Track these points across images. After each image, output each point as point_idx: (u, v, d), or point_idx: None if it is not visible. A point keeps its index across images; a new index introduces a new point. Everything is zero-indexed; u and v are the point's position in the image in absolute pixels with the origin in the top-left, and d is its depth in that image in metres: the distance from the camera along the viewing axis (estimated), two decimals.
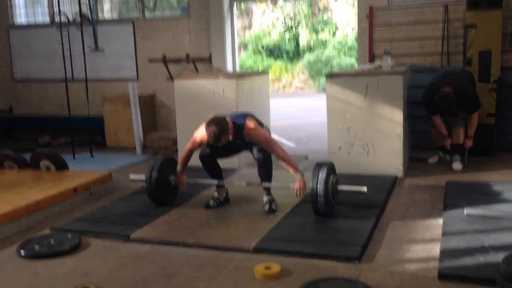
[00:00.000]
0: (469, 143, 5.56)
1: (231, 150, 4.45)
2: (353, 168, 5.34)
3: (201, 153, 4.38)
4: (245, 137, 4.18)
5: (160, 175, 4.47)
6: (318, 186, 3.92)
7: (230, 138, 4.06)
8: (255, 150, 4.23)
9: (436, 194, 4.69)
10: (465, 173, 5.40)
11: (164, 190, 4.54)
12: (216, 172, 4.51)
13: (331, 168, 4.09)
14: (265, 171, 4.28)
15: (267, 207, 4.28)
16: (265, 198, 4.36)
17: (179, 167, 4.54)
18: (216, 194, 4.55)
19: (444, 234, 3.63)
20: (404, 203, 4.51)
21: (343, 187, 4.18)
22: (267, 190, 4.38)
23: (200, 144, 4.36)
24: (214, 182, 4.51)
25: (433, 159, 5.84)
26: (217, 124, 3.96)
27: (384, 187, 4.85)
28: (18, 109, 8.75)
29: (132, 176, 4.90)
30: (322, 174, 3.95)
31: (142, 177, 4.60)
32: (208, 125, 3.99)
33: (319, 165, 4.06)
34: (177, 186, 4.59)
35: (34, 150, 6.01)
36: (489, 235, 3.54)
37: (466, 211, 3.73)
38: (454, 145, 5.59)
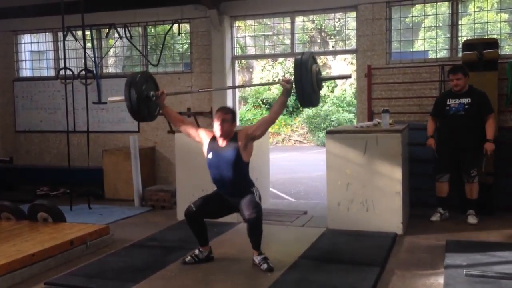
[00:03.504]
0: (489, 146, 5.55)
1: (220, 206, 4.35)
2: (352, 224, 5.32)
3: (186, 210, 4.29)
4: (239, 140, 4.20)
5: (139, 93, 4.26)
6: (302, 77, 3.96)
7: (230, 129, 4.20)
8: (245, 208, 4.10)
9: (436, 253, 4.64)
10: (465, 231, 5.37)
11: (146, 106, 4.38)
12: (201, 232, 4.38)
13: (312, 58, 4.14)
14: (256, 234, 4.17)
15: (264, 266, 4.14)
16: (258, 258, 4.20)
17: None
18: (196, 251, 4.42)
19: None
20: (404, 262, 4.46)
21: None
22: (258, 251, 4.24)
23: (193, 134, 4.45)
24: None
25: (435, 217, 5.81)
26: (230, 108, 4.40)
27: (383, 245, 4.80)
28: (19, 160, 8.78)
29: (111, 98, 4.78)
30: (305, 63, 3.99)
31: (122, 97, 4.36)
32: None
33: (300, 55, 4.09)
34: (160, 105, 4.48)
35: (32, 201, 5.98)
36: None
37: (466, 271, 3.69)
38: (469, 200, 5.73)
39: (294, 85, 4.06)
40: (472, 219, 5.65)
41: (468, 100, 5.58)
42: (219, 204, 4.34)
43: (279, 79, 4.26)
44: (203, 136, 4.40)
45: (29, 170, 8.53)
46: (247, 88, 21.43)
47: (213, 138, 4.31)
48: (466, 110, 5.58)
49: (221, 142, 4.26)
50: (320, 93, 4.31)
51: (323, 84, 4.31)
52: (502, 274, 3.84)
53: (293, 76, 4.06)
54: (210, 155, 4.29)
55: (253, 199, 4.18)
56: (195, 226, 4.35)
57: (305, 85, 3.99)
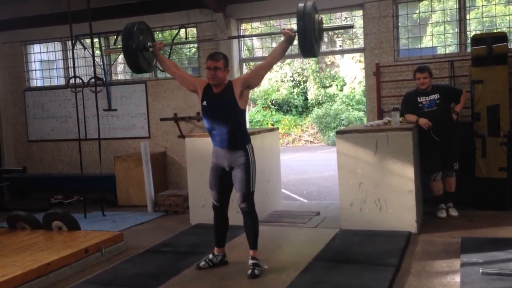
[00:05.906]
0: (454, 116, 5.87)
1: (225, 182, 4.29)
2: (366, 224, 5.29)
3: (213, 207, 4.37)
4: (234, 87, 4.11)
5: (136, 43, 4.34)
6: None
7: (223, 76, 4.08)
8: (239, 196, 4.16)
9: (452, 250, 4.60)
10: (480, 228, 5.31)
11: (144, 57, 4.47)
12: (222, 231, 4.41)
13: (315, 8, 4.11)
14: (249, 227, 4.21)
15: (249, 271, 4.12)
16: (250, 262, 4.20)
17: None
18: (210, 256, 4.43)
19: None
20: (419, 261, 4.42)
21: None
22: (254, 251, 4.24)
23: (187, 81, 4.37)
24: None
25: (443, 214, 5.82)
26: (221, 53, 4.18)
27: (398, 244, 4.77)
28: (32, 169, 8.86)
29: (107, 50, 4.93)
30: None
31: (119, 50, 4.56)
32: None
33: (303, 4, 4.03)
34: (155, 54, 4.49)
35: (46, 209, 6.04)
36: None
37: (482, 270, 3.66)
38: (449, 193, 5.94)
39: (297, 35, 4.03)
40: (454, 212, 5.85)
41: (437, 96, 5.79)
42: (223, 181, 4.30)
43: (282, 29, 4.23)
44: (197, 84, 4.32)
45: (42, 179, 8.62)
46: (255, 90, 21.40)
47: (208, 86, 4.18)
48: (438, 105, 5.78)
49: (216, 89, 4.15)
50: (321, 44, 4.34)
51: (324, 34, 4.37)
52: None
53: (296, 26, 4.01)
54: (205, 103, 4.18)
55: (245, 177, 4.14)
56: (221, 221, 4.37)
57: (308, 35, 3.97)
